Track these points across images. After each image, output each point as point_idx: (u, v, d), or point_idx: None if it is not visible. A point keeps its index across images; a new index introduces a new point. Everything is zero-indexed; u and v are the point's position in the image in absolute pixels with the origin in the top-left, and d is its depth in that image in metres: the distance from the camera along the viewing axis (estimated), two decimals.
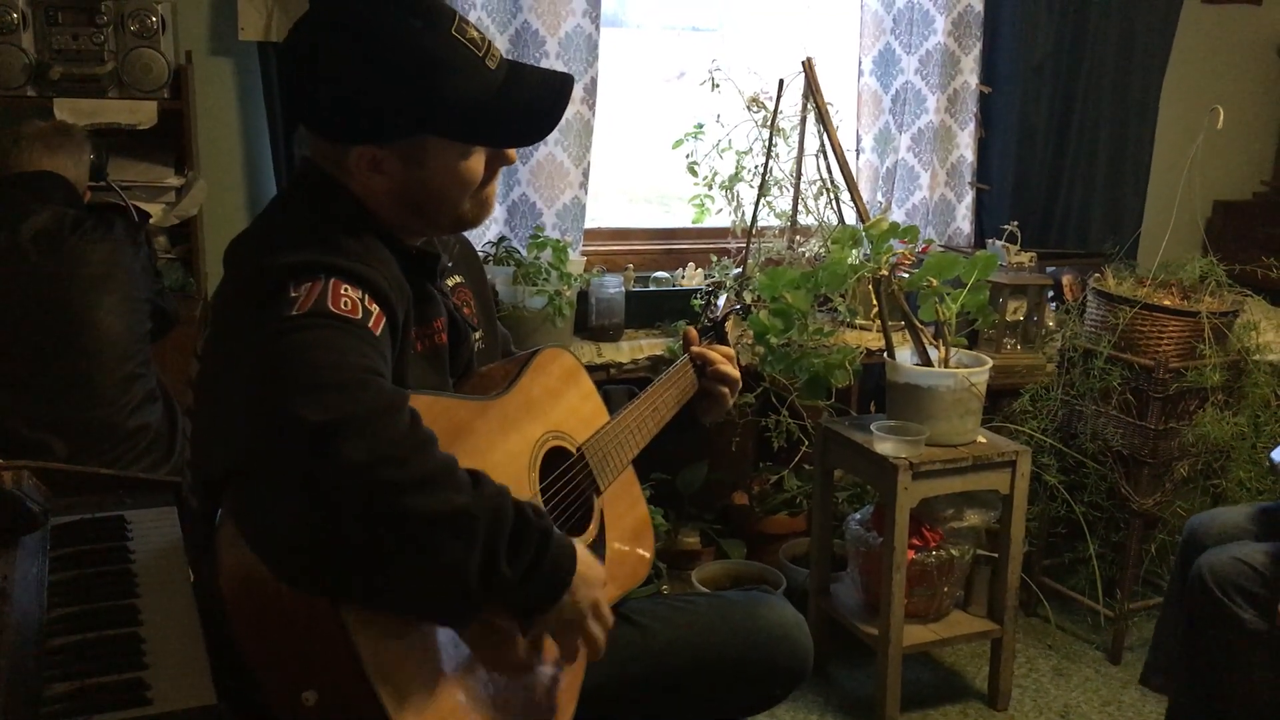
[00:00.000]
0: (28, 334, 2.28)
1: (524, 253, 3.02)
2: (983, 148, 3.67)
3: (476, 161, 1.36)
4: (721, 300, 1.95)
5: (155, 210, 2.78)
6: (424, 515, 1.06)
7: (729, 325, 1.91)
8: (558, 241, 3.04)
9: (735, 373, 1.78)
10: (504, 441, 1.37)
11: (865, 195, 3.42)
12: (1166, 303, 2.71)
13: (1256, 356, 2.73)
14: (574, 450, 1.49)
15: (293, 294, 1.16)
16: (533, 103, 1.36)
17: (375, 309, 1.21)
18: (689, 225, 3.44)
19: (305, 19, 1.33)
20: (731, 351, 1.80)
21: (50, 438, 2.25)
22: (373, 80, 1.26)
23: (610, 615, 1.30)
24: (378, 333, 1.19)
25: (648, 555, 1.64)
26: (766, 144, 3.20)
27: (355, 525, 1.05)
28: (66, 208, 2.34)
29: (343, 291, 1.18)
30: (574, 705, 1.39)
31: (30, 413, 2.26)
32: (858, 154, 3.55)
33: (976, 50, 3.54)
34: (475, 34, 1.32)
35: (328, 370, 1.08)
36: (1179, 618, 2.37)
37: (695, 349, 1.77)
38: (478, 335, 1.56)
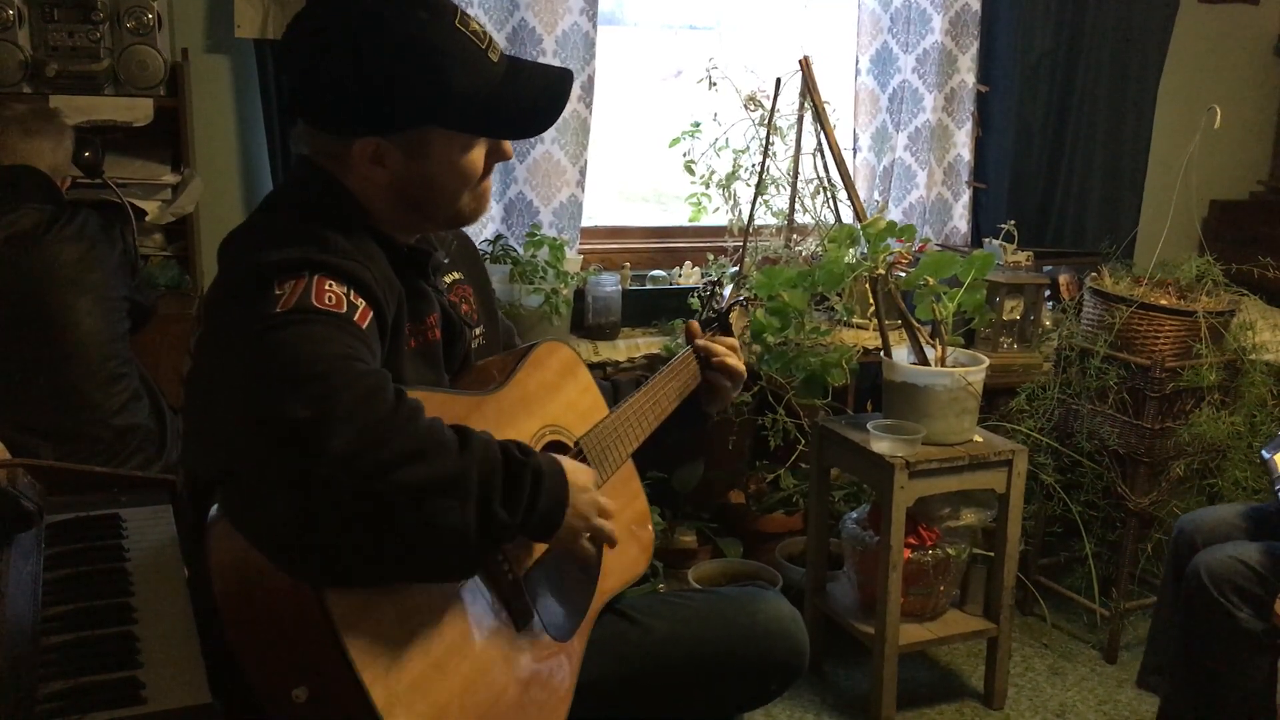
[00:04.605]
0: (7, 339, 2.26)
1: (520, 251, 3.02)
2: (980, 147, 3.67)
3: (477, 155, 1.36)
4: (726, 291, 1.93)
5: (151, 207, 2.77)
6: (416, 487, 1.08)
7: (733, 316, 1.89)
8: (554, 240, 3.04)
9: (739, 365, 1.77)
10: (500, 437, 1.37)
11: (862, 194, 3.42)
12: (1163, 302, 2.71)
13: (1253, 356, 2.73)
14: (572, 444, 1.49)
15: (277, 292, 1.16)
16: (535, 95, 1.37)
17: (361, 303, 1.21)
18: (686, 224, 3.44)
19: (306, 11, 1.33)
20: (735, 343, 1.80)
21: (38, 443, 2.24)
22: (378, 70, 1.27)
23: (610, 504, 1.35)
24: (364, 326, 1.20)
25: (647, 549, 1.64)
26: (763, 143, 3.20)
27: (352, 511, 1.06)
28: (42, 204, 2.31)
29: (327, 287, 1.19)
30: (568, 701, 1.39)
31: (17, 419, 2.24)
32: (855, 153, 3.55)
33: (974, 49, 3.54)
34: (477, 27, 1.33)
35: (310, 365, 1.09)
36: (1173, 617, 2.38)
37: (699, 341, 1.76)
38: (478, 332, 1.56)
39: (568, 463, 1.29)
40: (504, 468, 1.16)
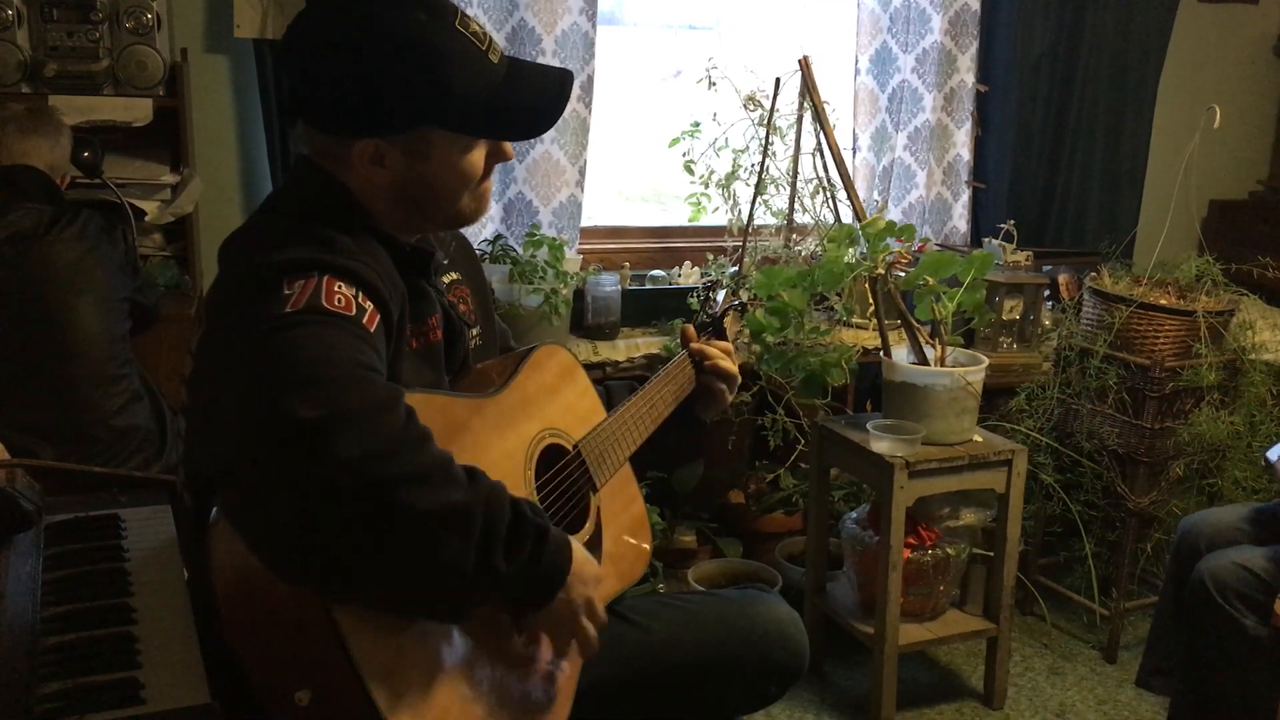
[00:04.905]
0: (7, 338, 2.26)
1: (520, 251, 3.02)
2: (979, 146, 3.67)
3: (477, 156, 1.36)
4: (720, 296, 1.94)
5: (150, 208, 2.77)
6: (419, 511, 1.06)
7: (727, 321, 1.90)
8: (554, 240, 3.04)
9: (733, 368, 1.77)
10: (500, 439, 1.37)
11: (862, 194, 3.42)
12: (1162, 302, 2.71)
13: (1252, 356, 2.73)
14: (570, 447, 1.49)
15: (286, 291, 1.15)
16: (535, 97, 1.36)
17: (369, 306, 1.21)
18: (685, 224, 3.43)
19: (307, 12, 1.33)
20: (730, 347, 1.80)
21: (38, 444, 2.23)
22: (378, 71, 1.27)
23: (604, 614, 1.31)
24: (372, 329, 1.19)
25: (645, 552, 1.64)
26: (763, 142, 3.20)
27: (350, 521, 1.05)
28: (43, 205, 2.31)
29: (336, 288, 1.18)
30: (569, 704, 1.39)
31: (16, 419, 2.24)
32: (854, 152, 3.55)
33: (973, 49, 3.54)
34: (477, 28, 1.33)
35: (320, 366, 1.08)
36: (1174, 619, 2.37)
37: (693, 345, 1.77)
38: (475, 332, 1.56)
39: (578, 549, 1.26)
40: (512, 517, 1.14)
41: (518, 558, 1.15)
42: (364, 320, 1.19)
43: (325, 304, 1.15)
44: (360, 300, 1.20)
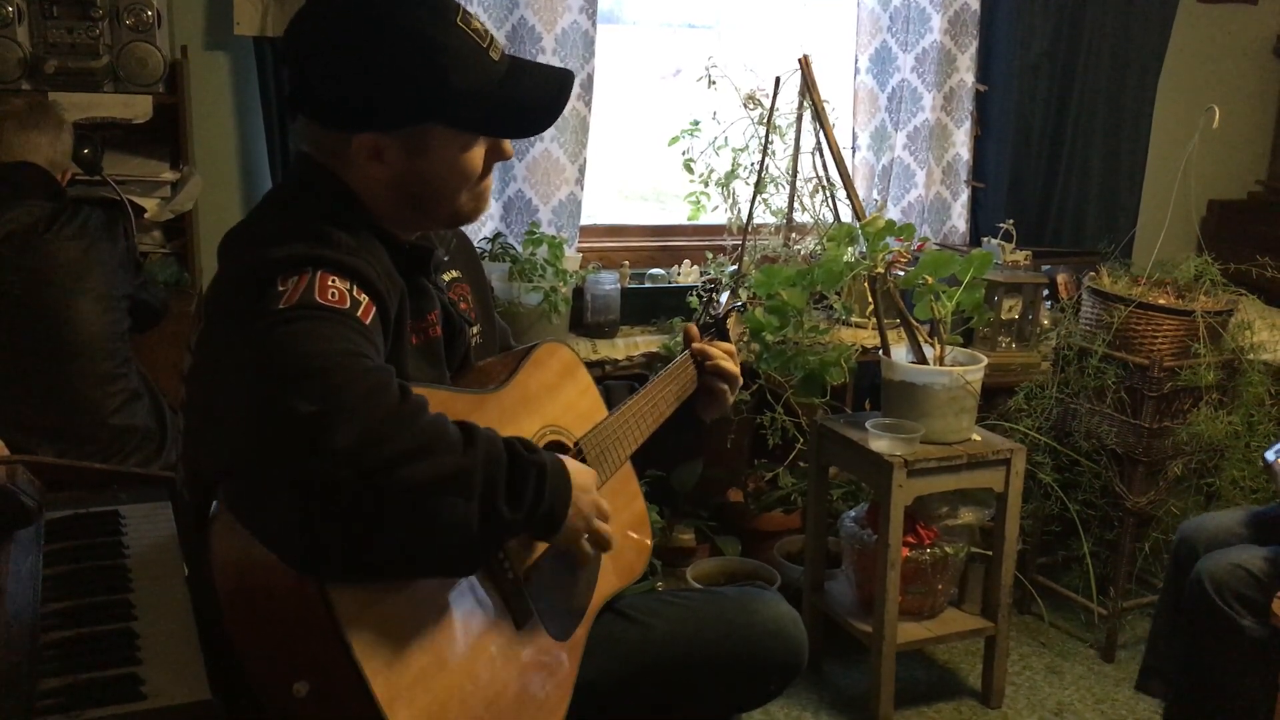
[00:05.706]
0: (6, 337, 2.25)
1: (519, 249, 3.02)
2: (978, 146, 3.67)
3: (476, 153, 1.36)
4: (724, 297, 1.94)
5: (150, 205, 2.77)
6: (421, 483, 1.08)
7: (730, 322, 1.90)
8: (553, 238, 3.04)
9: (735, 369, 1.78)
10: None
11: (861, 193, 3.42)
12: (1161, 301, 2.71)
13: (1251, 356, 2.73)
14: (571, 445, 1.49)
15: (280, 288, 1.16)
16: (535, 94, 1.37)
17: (364, 299, 1.21)
18: (685, 222, 3.44)
19: (309, 7, 1.33)
20: (732, 348, 1.81)
21: (36, 443, 2.23)
22: (380, 67, 1.27)
23: (609, 507, 1.36)
24: (367, 321, 1.20)
25: (645, 550, 1.64)
26: (762, 141, 3.20)
27: (356, 507, 1.07)
28: (43, 201, 2.31)
29: (330, 283, 1.19)
30: (568, 699, 1.39)
31: (15, 418, 2.23)
32: (854, 152, 3.56)
33: (973, 49, 3.54)
34: (478, 25, 1.34)
35: (314, 360, 1.09)
36: (1173, 623, 2.37)
37: (695, 345, 1.77)
38: (475, 330, 1.57)
39: (570, 462, 1.29)
40: (509, 464, 1.17)
41: (521, 502, 1.17)
42: (359, 313, 1.19)
43: (319, 299, 1.16)
44: (355, 294, 1.21)
